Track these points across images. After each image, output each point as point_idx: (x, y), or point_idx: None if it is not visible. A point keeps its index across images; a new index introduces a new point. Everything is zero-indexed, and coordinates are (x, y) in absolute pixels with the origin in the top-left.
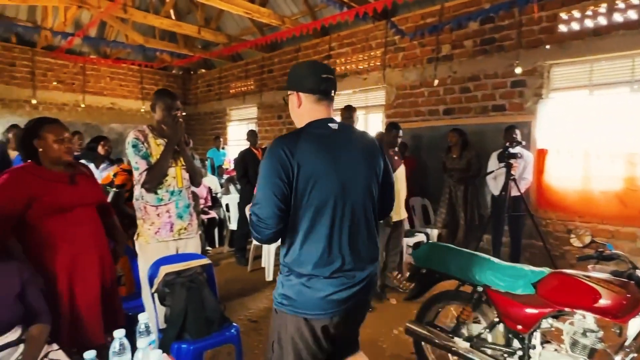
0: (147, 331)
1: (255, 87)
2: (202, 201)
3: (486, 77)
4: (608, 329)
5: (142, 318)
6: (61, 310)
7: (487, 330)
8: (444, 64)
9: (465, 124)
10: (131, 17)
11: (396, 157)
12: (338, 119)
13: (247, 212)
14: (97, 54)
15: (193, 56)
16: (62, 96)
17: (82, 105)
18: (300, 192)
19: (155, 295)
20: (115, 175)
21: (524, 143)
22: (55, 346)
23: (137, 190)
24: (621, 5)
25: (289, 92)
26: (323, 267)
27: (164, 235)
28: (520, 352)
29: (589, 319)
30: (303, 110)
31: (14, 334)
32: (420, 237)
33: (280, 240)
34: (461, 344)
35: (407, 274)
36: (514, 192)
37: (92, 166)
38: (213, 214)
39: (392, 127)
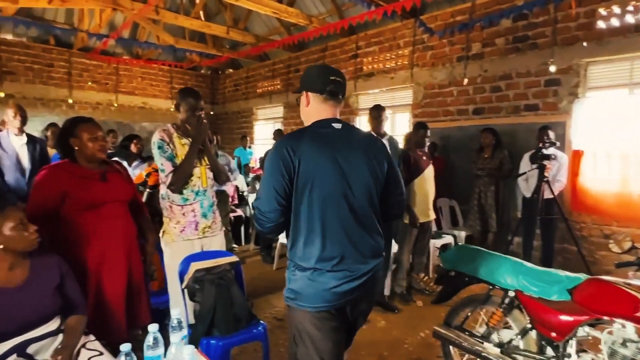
0: (180, 326)
1: (281, 87)
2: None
3: (518, 76)
4: None
5: (174, 313)
6: (89, 303)
7: (519, 336)
8: (474, 62)
9: (495, 124)
10: (162, 18)
11: (424, 157)
12: (365, 119)
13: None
14: (130, 55)
15: (221, 56)
16: (97, 96)
17: (115, 105)
18: (301, 188)
19: (185, 291)
20: (148, 175)
21: (558, 144)
22: (91, 337)
23: (163, 190)
24: None
25: (300, 93)
26: (325, 261)
27: (189, 234)
28: None
29: (629, 329)
30: (310, 109)
31: (53, 324)
32: (448, 239)
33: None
34: (492, 350)
35: (434, 276)
36: (547, 195)
37: (124, 164)
38: (239, 212)
39: (419, 126)
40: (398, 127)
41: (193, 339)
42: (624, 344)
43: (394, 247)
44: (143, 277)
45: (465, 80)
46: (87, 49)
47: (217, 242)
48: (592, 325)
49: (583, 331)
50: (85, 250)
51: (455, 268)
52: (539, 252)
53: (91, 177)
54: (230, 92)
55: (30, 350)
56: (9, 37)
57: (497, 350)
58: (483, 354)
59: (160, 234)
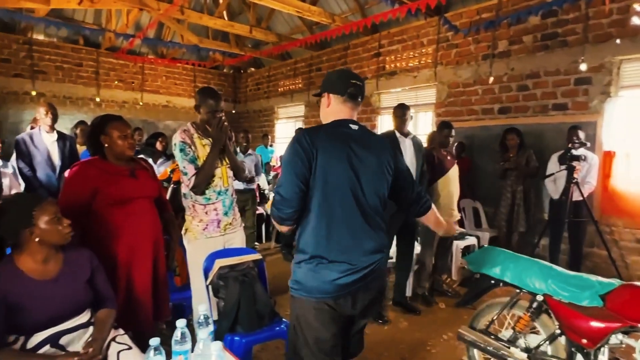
0: (207, 322)
1: (303, 86)
2: None
3: (547, 74)
4: None
5: (202, 309)
6: (118, 295)
7: (547, 342)
8: (501, 60)
9: (522, 124)
10: (187, 18)
11: (449, 157)
12: (387, 118)
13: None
14: (155, 54)
15: (244, 55)
16: (123, 94)
17: (140, 103)
18: (315, 178)
19: (209, 287)
20: (172, 171)
21: (588, 144)
22: (121, 331)
23: (185, 189)
24: None
25: (321, 95)
26: (327, 253)
27: (211, 231)
28: None
29: None
30: (330, 110)
31: (84, 317)
32: (471, 241)
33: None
34: (519, 355)
35: (459, 278)
36: (576, 197)
37: (150, 161)
38: (261, 210)
39: (444, 126)
40: (421, 126)
41: (217, 335)
42: None
43: (417, 248)
44: (166, 271)
45: (491, 79)
46: (114, 49)
47: (239, 237)
48: (625, 333)
49: (616, 339)
50: (116, 244)
51: (480, 270)
52: (565, 256)
53: (121, 173)
54: (252, 91)
55: (62, 341)
56: (41, 37)
57: (524, 356)
58: (509, 358)
59: (183, 232)
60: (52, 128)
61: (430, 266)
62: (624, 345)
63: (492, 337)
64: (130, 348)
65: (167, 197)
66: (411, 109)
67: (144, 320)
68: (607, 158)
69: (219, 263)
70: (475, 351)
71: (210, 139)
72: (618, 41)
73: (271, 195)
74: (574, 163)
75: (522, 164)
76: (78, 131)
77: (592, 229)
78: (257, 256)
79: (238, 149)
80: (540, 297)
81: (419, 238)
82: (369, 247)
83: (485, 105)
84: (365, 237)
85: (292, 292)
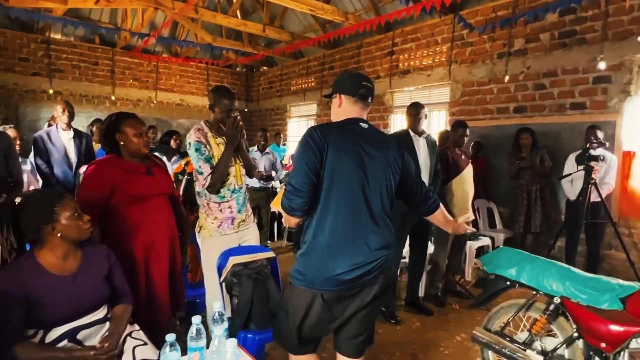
0: (222, 319)
1: (315, 84)
2: None
3: (564, 73)
4: None
5: (216, 306)
6: (138, 291)
7: (564, 345)
8: (517, 59)
9: (538, 123)
10: (202, 17)
11: (463, 157)
12: (400, 117)
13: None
14: (169, 53)
15: (257, 54)
16: (137, 93)
17: (155, 102)
18: (325, 172)
19: (223, 284)
20: (186, 164)
21: (607, 144)
22: (136, 326)
23: (200, 188)
24: None
25: (333, 95)
26: (331, 247)
27: (226, 229)
28: None
29: None
30: (342, 110)
31: (101, 312)
32: (485, 241)
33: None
34: (535, 358)
35: (474, 279)
36: (594, 198)
37: (164, 159)
38: (273, 208)
39: (458, 125)
40: (435, 125)
41: (230, 332)
42: None
43: (430, 248)
44: (182, 266)
45: (507, 78)
46: (129, 48)
47: (252, 233)
48: None
49: (636, 343)
50: (133, 241)
51: (495, 271)
52: (582, 258)
53: (138, 171)
54: (264, 90)
55: (79, 336)
56: (58, 36)
57: (541, 359)
58: None
59: (197, 229)
60: (68, 126)
61: (443, 266)
62: None
63: (508, 339)
64: (145, 344)
65: (182, 188)
66: (425, 107)
67: (162, 314)
68: (627, 158)
69: (233, 260)
70: (490, 353)
71: (223, 137)
72: (639, 39)
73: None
74: (592, 163)
75: (536, 163)
76: (94, 129)
77: (610, 231)
78: (270, 254)
79: (256, 147)
80: (557, 300)
81: (432, 238)
82: (375, 244)
83: (501, 104)
84: (370, 233)
85: (292, 280)
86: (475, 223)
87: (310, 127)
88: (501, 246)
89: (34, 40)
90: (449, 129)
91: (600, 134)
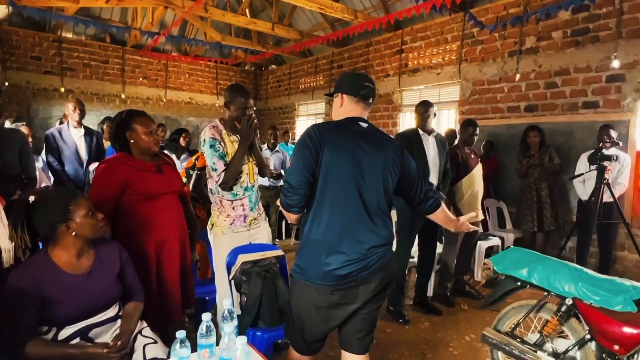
0: (231, 316)
1: (324, 83)
2: None
3: (577, 71)
4: None
5: (226, 304)
6: (150, 287)
7: (576, 347)
8: (528, 57)
9: (549, 122)
10: (211, 15)
11: (472, 156)
12: (409, 115)
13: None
14: (178, 52)
15: (265, 52)
16: (147, 91)
17: (164, 100)
18: (321, 170)
19: (232, 282)
20: (196, 159)
21: (620, 144)
22: (144, 323)
23: (213, 185)
24: None
25: (334, 95)
26: (326, 243)
27: (238, 227)
28: None
29: None
30: (343, 109)
31: (113, 310)
32: (495, 241)
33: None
34: (546, 359)
35: (482, 279)
36: (606, 198)
37: (173, 157)
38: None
39: (468, 124)
40: (444, 124)
41: (239, 330)
42: None
43: (439, 248)
44: (192, 263)
45: (517, 76)
46: (139, 46)
47: (264, 231)
48: None
49: None
50: (146, 239)
51: (506, 272)
52: (594, 259)
53: (149, 169)
54: (273, 88)
55: (91, 334)
56: (70, 35)
57: None
58: None
59: (209, 227)
60: (79, 123)
61: (452, 266)
62: None
63: (518, 340)
64: (155, 342)
65: (192, 183)
66: (434, 106)
67: (173, 310)
68: None
69: (242, 258)
70: (500, 354)
71: (238, 135)
72: None
73: None
74: (605, 163)
75: (545, 161)
76: (104, 127)
77: (622, 232)
78: (279, 252)
79: (266, 146)
80: (569, 301)
81: (442, 237)
82: (370, 240)
83: (511, 103)
84: (366, 230)
85: (293, 274)
86: (484, 223)
87: (310, 126)
88: (511, 246)
89: (46, 39)
90: (457, 128)
91: (613, 134)
